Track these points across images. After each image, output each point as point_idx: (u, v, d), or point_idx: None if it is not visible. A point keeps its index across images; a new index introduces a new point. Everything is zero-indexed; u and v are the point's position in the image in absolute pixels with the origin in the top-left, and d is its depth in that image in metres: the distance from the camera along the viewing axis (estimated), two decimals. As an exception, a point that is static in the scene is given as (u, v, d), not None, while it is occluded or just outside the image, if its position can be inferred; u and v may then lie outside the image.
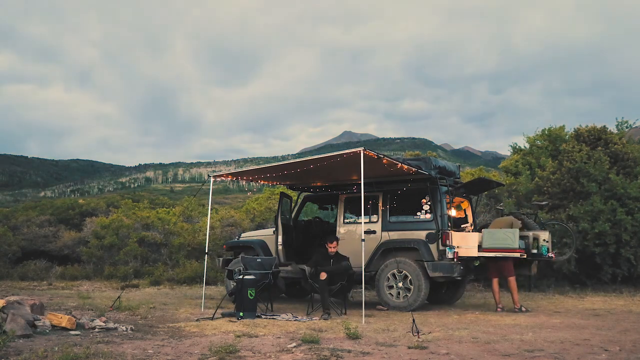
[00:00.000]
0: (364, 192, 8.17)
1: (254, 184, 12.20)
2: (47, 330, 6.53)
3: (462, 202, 10.32)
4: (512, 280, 9.04)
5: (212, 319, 7.94)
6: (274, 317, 8.18)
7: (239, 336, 6.35)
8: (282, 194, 10.59)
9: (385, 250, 9.33)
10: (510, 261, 8.98)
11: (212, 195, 10.80)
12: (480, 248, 8.96)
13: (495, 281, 9.26)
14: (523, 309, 8.94)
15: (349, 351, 5.52)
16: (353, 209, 10.00)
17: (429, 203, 9.28)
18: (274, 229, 10.41)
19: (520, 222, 9.31)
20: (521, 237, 8.95)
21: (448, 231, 8.93)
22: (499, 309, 9.06)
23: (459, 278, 9.19)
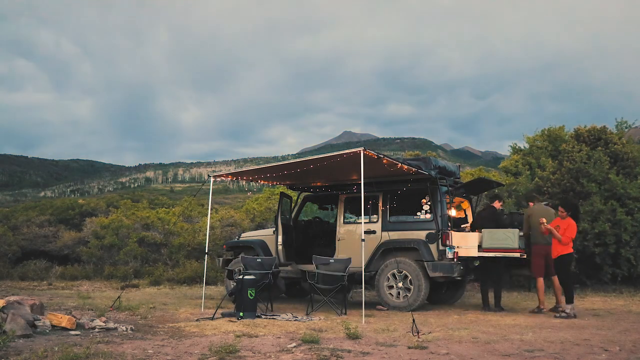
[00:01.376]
0: (364, 192, 8.17)
1: (254, 184, 12.20)
2: (47, 330, 6.53)
3: (462, 202, 10.32)
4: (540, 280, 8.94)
5: (212, 319, 7.94)
6: (274, 317, 8.18)
7: (239, 336, 6.35)
8: (282, 194, 10.60)
9: (385, 250, 9.33)
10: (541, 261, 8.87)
11: (212, 195, 10.81)
12: (480, 248, 8.96)
13: (540, 280, 8.98)
14: (544, 310, 8.83)
15: (349, 351, 5.52)
16: (353, 209, 10.00)
17: (429, 203, 9.28)
18: (274, 229, 10.41)
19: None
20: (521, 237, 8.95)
21: (448, 231, 8.93)
22: (543, 309, 8.88)
23: (459, 278, 9.19)
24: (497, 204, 9.53)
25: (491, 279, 9.29)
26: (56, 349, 5.42)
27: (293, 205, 10.96)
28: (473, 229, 9.43)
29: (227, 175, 10.42)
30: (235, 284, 8.71)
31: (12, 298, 7.13)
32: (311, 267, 9.26)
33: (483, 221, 9.26)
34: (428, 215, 9.25)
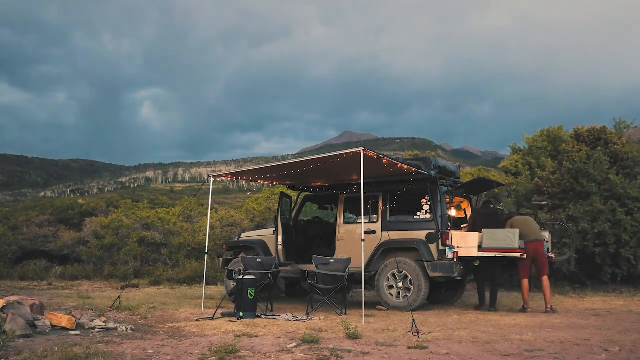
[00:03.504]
0: (364, 192, 8.17)
1: (253, 184, 12.20)
2: (47, 330, 6.53)
3: (462, 202, 10.32)
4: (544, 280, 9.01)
5: (212, 319, 7.94)
6: (274, 317, 8.18)
7: (239, 336, 6.35)
8: (282, 194, 10.60)
9: (385, 250, 9.33)
10: (527, 262, 8.97)
11: (212, 195, 10.81)
12: (480, 248, 8.96)
13: (525, 281, 9.06)
14: (529, 310, 8.90)
15: (349, 351, 5.52)
16: (353, 209, 9.99)
17: (429, 203, 9.28)
18: (274, 229, 10.41)
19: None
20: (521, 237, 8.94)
21: (448, 231, 8.93)
22: (528, 310, 8.96)
23: (459, 278, 9.19)
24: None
25: (488, 278, 9.31)
26: (56, 349, 5.42)
27: (293, 205, 10.96)
28: (473, 228, 9.39)
29: (227, 175, 10.43)
30: (235, 284, 8.72)
31: (12, 298, 7.13)
32: (311, 267, 9.26)
33: (483, 220, 9.25)
34: (428, 215, 9.24)
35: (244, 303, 8.08)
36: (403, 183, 9.49)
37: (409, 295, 8.98)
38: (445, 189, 9.46)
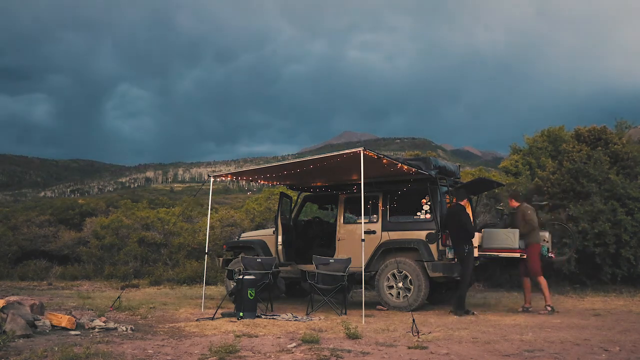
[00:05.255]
0: (364, 192, 8.17)
1: (253, 184, 12.20)
2: (47, 330, 6.53)
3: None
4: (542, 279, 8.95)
5: (212, 319, 7.94)
6: (274, 317, 8.18)
7: (239, 336, 6.35)
8: (282, 194, 10.60)
9: (385, 251, 9.33)
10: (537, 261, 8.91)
11: (212, 195, 10.81)
12: (480, 248, 8.95)
13: (526, 280, 9.08)
14: (548, 308, 8.84)
15: (349, 351, 5.52)
16: (353, 209, 9.99)
17: (429, 203, 9.28)
18: (274, 229, 10.41)
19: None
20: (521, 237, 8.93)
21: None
22: (521, 309, 8.98)
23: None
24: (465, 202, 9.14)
25: (466, 280, 8.83)
26: (56, 349, 5.42)
27: (293, 205, 10.96)
28: (443, 227, 9.07)
29: (227, 175, 10.43)
30: (235, 284, 8.72)
31: (12, 298, 7.14)
32: (311, 267, 9.26)
33: (447, 218, 8.99)
34: (428, 215, 9.24)
35: (244, 303, 8.08)
36: (403, 183, 9.49)
37: (409, 295, 8.97)
38: (445, 189, 9.46)
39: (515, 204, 9.26)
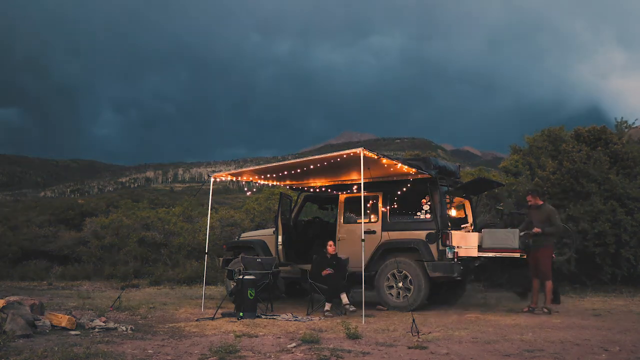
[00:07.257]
0: (364, 192, 8.17)
1: (254, 184, 12.20)
2: (47, 330, 6.53)
3: (463, 202, 10.32)
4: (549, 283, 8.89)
5: (212, 319, 7.95)
6: (274, 317, 8.18)
7: (239, 336, 6.35)
8: (282, 194, 10.60)
9: (385, 251, 9.33)
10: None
11: (212, 195, 10.81)
12: (480, 248, 8.95)
13: (535, 281, 9.01)
14: (545, 310, 8.81)
15: (349, 351, 5.52)
16: (353, 209, 9.99)
17: (429, 203, 9.28)
18: (274, 229, 10.41)
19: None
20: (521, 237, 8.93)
21: (448, 231, 8.93)
22: (527, 309, 8.93)
23: (459, 278, 9.19)
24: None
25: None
26: (56, 349, 5.42)
27: (293, 205, 10.96)
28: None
29: (227, 175, 10.43)
30: (235, 284, 8.72)
31: (12, 298, 7.13)
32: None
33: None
34: (428, 216, 9.24)
35: (244, 303, 8.08)
36: (403, 183, 9.49)
37: (409, 295, 8.97)
38: (445, 189, 9.46)
39: (539, 201, 9.19)
